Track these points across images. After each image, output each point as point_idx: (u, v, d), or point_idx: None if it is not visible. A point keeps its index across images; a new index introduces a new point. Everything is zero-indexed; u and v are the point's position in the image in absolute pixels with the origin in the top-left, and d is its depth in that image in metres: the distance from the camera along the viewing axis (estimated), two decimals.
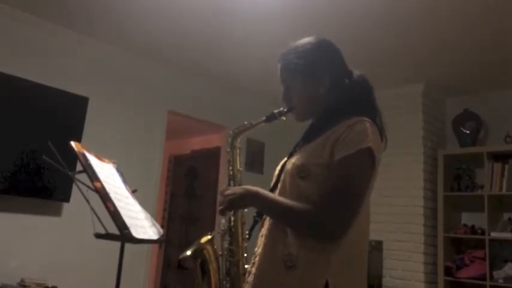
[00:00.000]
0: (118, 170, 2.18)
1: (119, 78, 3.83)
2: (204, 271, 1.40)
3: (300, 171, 1.27)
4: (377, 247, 4.05)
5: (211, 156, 5.53)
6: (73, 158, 1.93)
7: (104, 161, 2.07)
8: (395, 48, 3.46)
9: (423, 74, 3.93)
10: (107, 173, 2.00)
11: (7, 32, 3.22)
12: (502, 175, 3.73)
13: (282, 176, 1.34)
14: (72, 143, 1.90)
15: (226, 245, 1.38)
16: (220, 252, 1.41)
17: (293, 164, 1.31)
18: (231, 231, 1.38)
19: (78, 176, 1.94)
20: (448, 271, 3.83)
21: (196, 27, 3.33)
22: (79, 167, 1.94)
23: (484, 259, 3.69)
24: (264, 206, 1.32)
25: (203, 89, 4.43)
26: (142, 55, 3.93)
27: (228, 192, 1.31)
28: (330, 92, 1.38)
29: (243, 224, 1.39)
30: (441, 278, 3.82)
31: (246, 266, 1.36)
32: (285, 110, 1.41)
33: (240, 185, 1.41)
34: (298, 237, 1.23)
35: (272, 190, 1.37)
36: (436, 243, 3.94)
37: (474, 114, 4.09)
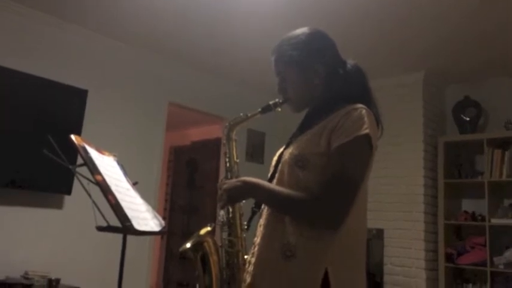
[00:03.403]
0: (118, 162, 2.19)
1: (119, 70, 3.83)
2: (205, 263, 1.41)
3: (298, 161, 1.28)
4: (378, 235, 4.08)
5: (211, 147, 5.54)
6: (74, 150, 1.94)
7: (104, 154, 2.08)
8: (396, 36, 3.44)
9: (423, 61, 3.91)
10: (108, 166, 2.00)
11: (4, 25, 3.21)
12: (502, 161, 3.74)
13: (280, 166, 1.35)
14: (72, 137, 1.91)
15: (225, 236, 1.40)
16: (220, 244, 1.42)
17: (290, 153, 1.31)
18: (230, 223, 1.39)
19: (79, 169, 1.95)
20: (448, 258, 3.86)
21: (196, 19, 3.31)
22: (80, 160, 1.95)
23: (484, 245, 3.71)
24: (263, 197, 1.33)
25: (203, 80, 4.42)
26: (141, 47, 3.92)
27: (226, 186, 1.32)
28: (325, 82, 1.39)
29: (241, 215, 1.40)
30: (442, 264, 3.85)
31: (246, 257, 1.37)
32: (280, 101, 1.42)
33: (237, 176, 1.42)
34: (297, 226, 1.24)
35: (270, 181, 1.38)
36: (436, 230, 3.96)
37: (474, 101, 4.08)
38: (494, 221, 3.71)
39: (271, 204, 1.32)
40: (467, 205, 4.12)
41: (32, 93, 3.21)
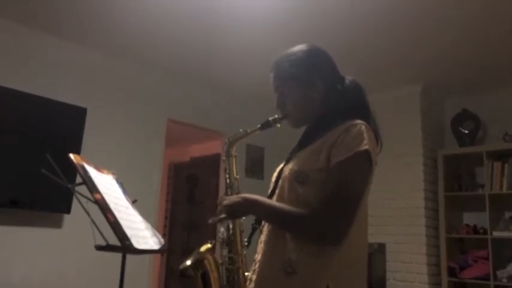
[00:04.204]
0: (117, 180, 2.19)
1: (117, 87, 3.84)
2: (205, 281, 1.40)
3: (298, 176, 1.28)
4: (380, 250, 4.05)
5: (211, 163, 5.54)
6: (73, 169, 1.93)
7: (103, 172, 2.07)
8: (393, 49, 3.47)
9: (421, 75, 3.93)
10: (107, 184, 2.00)
11: (2, 45, 3.22)
12: (502, 174, 3.73)
13: (280, 182, 1.35)
14: (71, 155, 1.91)
15: (225, 253, 1.39)
16: (220, 261, 1.41)
17: (290, 169, 1.31)
18: (230, 239, 1.38)
19: (78, 188, 1.94)
20: (451, 272, 3.83)
21: (194, 35, 3.34)
22: (79, 179, 1.94)
23: (487, 259, 3.69)
24: (263, 214, 1.33)
25: (201, 96, 4.44)
26: (139, 64, 3.94)
27: (226, 202, 1.32)
28: (323, 97, 1.40)
29: (241, 231, 1.40)
30: (445, 279, 3.82)
31: (247, 274, 1.36)
32: (280, 117, 1.43)
33: (237, 193, 1.42)
34: (298, 242, 1.23)
35: (270, 197, 1.37)
36: (438, 244, 3.94)
37: (472, 114, 4.10)
38: (496, 233, 3.69)
39: (272, 220, 1.32)
40: (469, 218, 4.10)
41: (31, 112, 3.21)
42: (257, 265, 1.31)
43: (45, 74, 3.40)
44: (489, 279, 3.61)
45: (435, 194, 4.04)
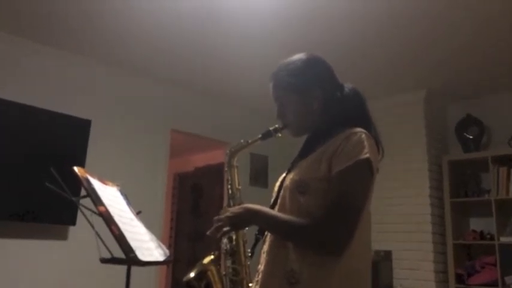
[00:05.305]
0: (122, 192, 2.19)
1: (121, 98, 3.86)
2: None
3: (299, 186, 1.28)
4: (386, 257, 4.02)
5: (215, 173, 5.54)
6: (77, 181, 1.94)
7: (107, 184, 2.08)
8: (397, 55, 3.47)
9: (425, 80, 3.93)
10: (111, 196, 2.00)
11: (5, 58, 3.25)
12: (508, 179, 3.71)
13: (282, 192, 1.35)
14: (75, 168, 1.91)
15: (229, 264, 1.39)
16: (224, 272, 1.41)
17: (291, 179, 1.32)
18: (234, 250, 1.38)
19: (82, 201, 1.94)
20: (459, 278, 3.80)
21: (195, 47, 3.36)
22: (83, 191, 1.95)
23: (494, 265, 3.66)
24: (265, 224, 1.33)
25: (205, 106, 4.45)
26: (142, 75, 3.97)
27: (228, 213, 1.32)
28: (323, 106, 1.40)
29: (244, 242, 1.40)
30: (453, 286, 3.79)
31: (250, 285, 1.36)
32: (280, 126, 1.43)
33: (240, 203, 1.42)
34: (300, 253, 1.23)
35: (272, 207, 1.38)
36: (445, 250, 3.91)
37: (476, 119, 4.09)
38: (503, 239, 3.66)
39: (273, 230, 1.32)
40: (475, 224, 4.07)
41: (34, 125, 3.23)
42: (260, 276, 1.31)
43: (48, 87, 3.42)
44: (497, 285, 3.57)
45: (441, 200, 4.02)
